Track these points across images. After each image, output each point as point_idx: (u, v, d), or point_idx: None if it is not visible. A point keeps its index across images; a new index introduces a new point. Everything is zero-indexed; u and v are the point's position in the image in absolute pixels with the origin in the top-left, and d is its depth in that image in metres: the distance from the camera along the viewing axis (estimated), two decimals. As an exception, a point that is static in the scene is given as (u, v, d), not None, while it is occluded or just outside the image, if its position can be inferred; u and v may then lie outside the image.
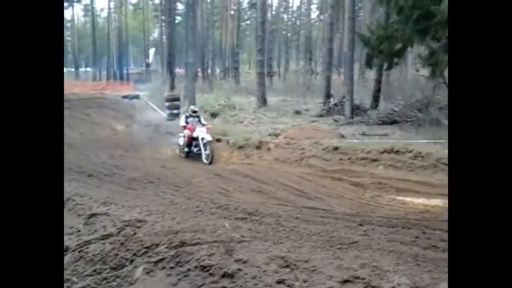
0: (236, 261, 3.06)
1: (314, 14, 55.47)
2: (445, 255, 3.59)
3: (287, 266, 2.98)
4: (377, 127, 14.32)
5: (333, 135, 13.00)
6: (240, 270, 2.91)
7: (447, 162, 9.18)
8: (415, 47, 16.02)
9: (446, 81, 15.28)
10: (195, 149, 12.22)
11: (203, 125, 12.42)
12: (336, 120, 16.00)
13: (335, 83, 21.38)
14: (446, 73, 14.83)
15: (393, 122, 14.76)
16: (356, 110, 16.40)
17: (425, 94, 15.72)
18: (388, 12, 16.85)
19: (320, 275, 2.86)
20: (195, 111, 12.77)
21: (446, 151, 9.69)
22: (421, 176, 8.98)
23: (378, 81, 17.86)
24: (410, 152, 9.85)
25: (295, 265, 2.99)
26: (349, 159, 10.22)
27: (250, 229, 4.21)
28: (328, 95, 19.41)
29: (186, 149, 12.45)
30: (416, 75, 18.80)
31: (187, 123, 12.46)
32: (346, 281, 2.77)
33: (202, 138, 11.84)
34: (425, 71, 15.87)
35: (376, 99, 17.68)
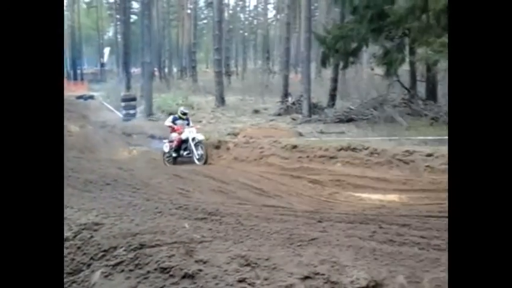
0: (197, 261, 3.03)
1: (271, 14, 55.87)
2: (402, 249, 3.68)
3: (248, 265, 2.98)
4: (334, 125, 14.56)
5: (291, 133, 13.14)
6: (200, 270, 2.89)
7: (402, 158, 9.46)
8: (370, 47, 16.44)
9: (400, 80, 15.77)
10: (184, 153, 11.34)
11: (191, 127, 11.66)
12: (294, 119, 16.16)
13: (292, 82, 21.60)
14: (399, 72, 15.31)
15: (350, 120, 15.05)
16: (313, 108, 16.63)
17: (380, 92, 16.11)
18: (343, 12, 17.18)
19: (281, 272, 2.87)
20: (185, 113, 11.79)
21: (400, 147, 9.98)
22: (377, 172, 9.20)
23: (335, 80, 18.18)
24: (366, 149, 10.06)
25: (256, 263, 2.99)
26: (308, 157, 10.34)
27: (210, 229, 4.18)
28: (286, 94, 19.60)
29: (174, 154, 11.43)
30: (371, 74, 19.24)
31: (175, 124, 11.59)
32: (306, 278, 2.80)
33: (193, 139, 11.05)
34: (379, 70, 16.30)
35: (332, 97, 17.99)
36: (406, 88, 16.04)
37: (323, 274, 2.82)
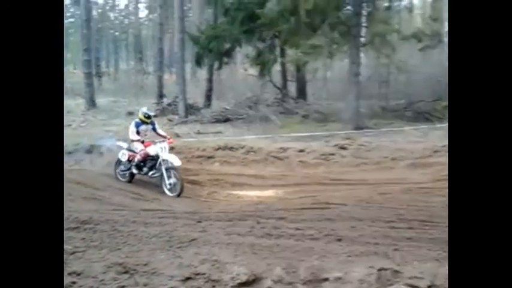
0: (70, 274, 2.87)
1: (143, 13, 54.51)
2: (279, 241, 3.83)
3: (126, 272, 2.90)
4: (211, 125, 14.69)
5: (167, 135, 12.95)
6: (74, 283, 2.75)
7: (277, 155, 9.88)
8: (243, 47, 16.85)
9: (272, 80, 16.42)
10: (149, 172, 8.75)
11: (163, 137, 9.04)
12: (170, 120, 15.97)
13: (167, 83, 21.31)
14: (272, 72, 15.94)
15: (226, 120, 15.28)
16: (190, 109, 16.59)
17: (254, 92, 16.61)
18: (216, 13, 17.37)
19: (161, 276, 2.84)
20: (149, 116, 9.16)
21: (275, 145, 10.41)
22: (254, 170, 9.50)
23: (210, 81, 18.32)
24: (243, 147, 10.34)
25: (135, 270, 2.92)
26: (185, 157, 10.29)
27: (83, 238, 3.97)
28: (161, 95, 19.29)
29: (134, 170, 8.84)
30: (245, 75, 19.73)
31: (138, 133, 8.92)
32: (187, 279, 2.80)
33: (164, 160, 8.46)
34: (253, 70, 16.80)
35: (208, 98, 18.10)
36: (278, 88, 16.74)
37: (204, 274, 2.83)
